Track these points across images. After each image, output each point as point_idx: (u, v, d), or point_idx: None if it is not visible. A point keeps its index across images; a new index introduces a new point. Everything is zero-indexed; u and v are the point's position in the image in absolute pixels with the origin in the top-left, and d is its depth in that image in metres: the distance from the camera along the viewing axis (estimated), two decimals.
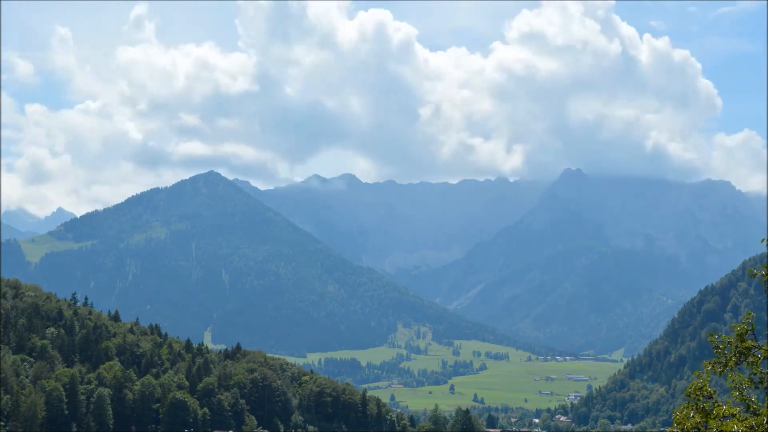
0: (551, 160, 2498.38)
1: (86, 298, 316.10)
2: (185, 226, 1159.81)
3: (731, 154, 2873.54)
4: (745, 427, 31.12)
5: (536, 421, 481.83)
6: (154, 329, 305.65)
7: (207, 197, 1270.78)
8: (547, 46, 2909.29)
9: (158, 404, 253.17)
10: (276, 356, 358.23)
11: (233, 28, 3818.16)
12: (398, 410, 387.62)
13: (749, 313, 33.08)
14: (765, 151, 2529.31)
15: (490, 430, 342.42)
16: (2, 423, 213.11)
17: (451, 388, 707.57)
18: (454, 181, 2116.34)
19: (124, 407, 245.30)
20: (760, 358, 32.32)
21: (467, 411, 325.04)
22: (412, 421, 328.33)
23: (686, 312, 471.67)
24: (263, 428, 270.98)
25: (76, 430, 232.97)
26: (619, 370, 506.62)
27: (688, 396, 33.19)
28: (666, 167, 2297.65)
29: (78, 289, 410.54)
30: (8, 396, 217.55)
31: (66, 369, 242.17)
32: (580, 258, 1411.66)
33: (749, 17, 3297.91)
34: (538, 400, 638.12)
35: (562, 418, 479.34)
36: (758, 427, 31.08)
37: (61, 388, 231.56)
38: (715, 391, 33.20)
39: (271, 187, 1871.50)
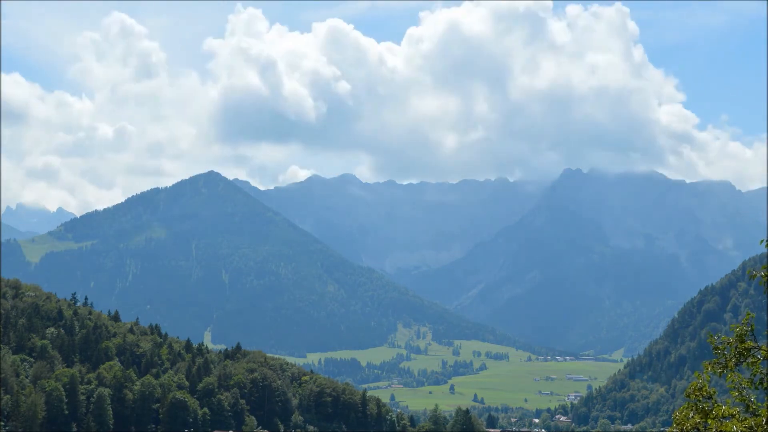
0: (551, 160, 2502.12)
1: (86, 298, 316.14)
2: (185, 226, 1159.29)
3: (732, 154, 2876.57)
4: (745, 427, 31.15)
5: (536, 421, 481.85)
6: (154, 329, 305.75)
7: (207, 197, 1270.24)
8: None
9: (158, 404, 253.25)
10: (276, 356, 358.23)
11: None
12: (398, 410, 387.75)
13: (749, 314, 33.10)
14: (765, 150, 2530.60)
15: (490, 430, 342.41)
16: (2, 423, 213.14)
17: (451, 388, 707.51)
18: (454, 181, 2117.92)
19: (124, 407, 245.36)
20: (759, 359, 32.34)
21: (467, 411, 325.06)
22: (412, 421, 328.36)
23: (686, 312, 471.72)
24: (263, 428, 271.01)
25: (76, 430, 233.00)
26: (619, 370, 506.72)
27: (688, 396, 33.21)
28: (666, 167, 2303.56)
29: (78, 289, 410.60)
30: (8, 396, 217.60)
31: (66, 369, 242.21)
32: (580, 258, 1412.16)
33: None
34: (538, 400, 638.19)
35: (562, 418, 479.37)
36: (757, 428, 31.11)
37: (61, 388, 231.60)
38: (714, 392, 33.22)
39: (271, 187, 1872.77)
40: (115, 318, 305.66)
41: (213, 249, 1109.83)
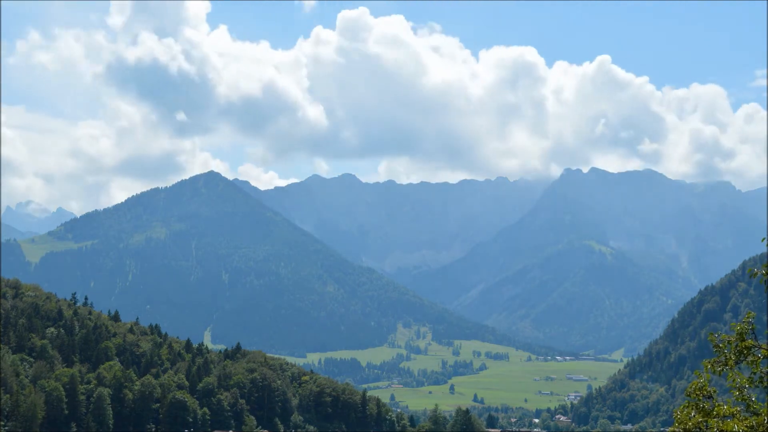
0: (552, 160, 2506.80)
1: (86, 298, 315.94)
2: (185, 226, 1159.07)
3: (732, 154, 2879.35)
4: (746, 426, 31.09)
5: (536, 421, 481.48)
6: (154, 329, 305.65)
7: (207, 197, 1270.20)
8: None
9: (158, 404, 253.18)
10: (276, 356, 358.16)
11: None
12: (398, 410, 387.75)
13: (749, 313, 33.01)
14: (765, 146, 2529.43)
15: (490, 430, 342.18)
16: (2, 423, 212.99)
17: (451, 388, 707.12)
18: (454, 181, 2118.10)
19: (123, 407, 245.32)
20: (760, 358, 32.26)
21: (467, 411, 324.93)
22: (412, 421, 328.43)
23: (686, 312, 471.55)
24: (263, 428, 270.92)
25: (75, 430, 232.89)
26: (619, 370, 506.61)
27: (689, 396, 33.15)
28: (667, 167, 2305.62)
29: (78, 289, 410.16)
30: (8, 396, 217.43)
31: (66, 369, 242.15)
32: (580, 258, 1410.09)
33: None
34: (538, 400, 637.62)
35: (562, 418, 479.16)
36: (758, 427, 31.06)
37: (61, 388, 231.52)
38: (715, 391, 33.17)
39: (271, 187, 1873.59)
40: (115, 318, 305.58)
41: (213, 249, 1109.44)
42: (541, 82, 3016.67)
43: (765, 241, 30.96)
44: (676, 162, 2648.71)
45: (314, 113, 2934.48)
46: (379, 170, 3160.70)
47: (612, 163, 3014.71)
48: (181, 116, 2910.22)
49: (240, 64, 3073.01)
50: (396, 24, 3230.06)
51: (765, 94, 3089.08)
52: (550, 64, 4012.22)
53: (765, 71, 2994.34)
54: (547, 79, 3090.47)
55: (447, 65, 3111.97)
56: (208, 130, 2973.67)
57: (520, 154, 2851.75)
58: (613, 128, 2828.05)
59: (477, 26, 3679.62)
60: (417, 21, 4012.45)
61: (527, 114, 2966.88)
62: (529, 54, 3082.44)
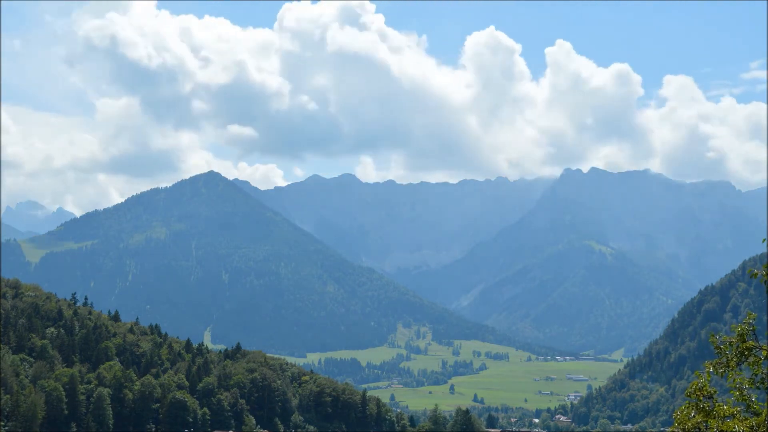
0: (552, 159, 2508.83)
1: (86, 298, 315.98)
2: (185, 226, 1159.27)
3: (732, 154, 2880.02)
4: (746, 427, 31.10)
5: (536, 421, 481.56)
6: (154, 329, 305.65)
7: (207, 197, 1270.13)
8: None
9: (158, 404, 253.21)
10: (276, 356, 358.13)
11: None
12: (398, 410, 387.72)
13: (750, 314, 33.00)
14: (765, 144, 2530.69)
15: (490, 430, 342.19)
16: (2, 423, 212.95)
17: (451, 388, 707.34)
18: (454, 181, 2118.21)
19: (123, 407, 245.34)
20: (761, 359, 32.26)
21: (467, 411, 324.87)
22: (412, 421, 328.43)
23: (686, 312, 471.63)
24: (263, 428, 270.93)
25: (75, 430, 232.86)
26: (619, 370, 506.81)
27: (689, 396, 33.16)
28: (670, 167, 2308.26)
29: (78, 289, 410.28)
30: (8, 396, 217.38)
31: (66, 369, 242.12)
32: (580, 258, 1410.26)
33: None
34: (538, 400, 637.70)
35: (562, 418, 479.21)
36: (759, 427, 31.07)
37: (61, 388, 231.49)
38: (715, 391, 33.18)
39: (271, 187, 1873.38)
40: (115, 318, 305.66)
41: (213, 249, 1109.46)
42: (527, 78, 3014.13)
43: (766, 242, 30.99)
44: (673, 160, 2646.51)
45: (298, 108, 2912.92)
46: (356, 169, 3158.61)
47: (604, 160, 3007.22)
48: (167, 113, 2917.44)
49: (217, 56, 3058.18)
50: (375, 21, 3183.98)
51: (763, 87, 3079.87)
52: (542, 61, 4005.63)
53: (763, 62, 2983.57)
54: (538, 77, 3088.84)
55: (424, 62, 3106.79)
56: (193, 124, 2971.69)
57: (507, 149, 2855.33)
58: (607, 126, 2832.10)
59: (451, 24, 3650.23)
60: (394, 22, 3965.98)
61: (516, 112, 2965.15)
62: (510, 46, 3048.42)
